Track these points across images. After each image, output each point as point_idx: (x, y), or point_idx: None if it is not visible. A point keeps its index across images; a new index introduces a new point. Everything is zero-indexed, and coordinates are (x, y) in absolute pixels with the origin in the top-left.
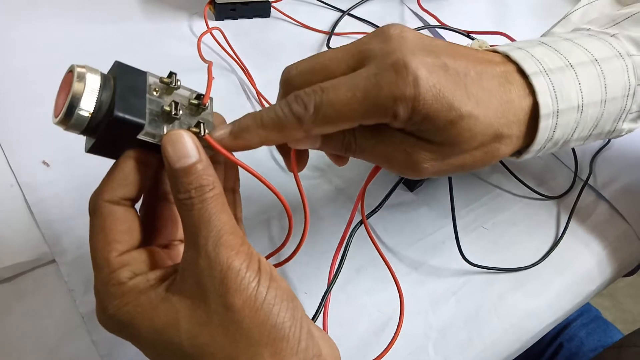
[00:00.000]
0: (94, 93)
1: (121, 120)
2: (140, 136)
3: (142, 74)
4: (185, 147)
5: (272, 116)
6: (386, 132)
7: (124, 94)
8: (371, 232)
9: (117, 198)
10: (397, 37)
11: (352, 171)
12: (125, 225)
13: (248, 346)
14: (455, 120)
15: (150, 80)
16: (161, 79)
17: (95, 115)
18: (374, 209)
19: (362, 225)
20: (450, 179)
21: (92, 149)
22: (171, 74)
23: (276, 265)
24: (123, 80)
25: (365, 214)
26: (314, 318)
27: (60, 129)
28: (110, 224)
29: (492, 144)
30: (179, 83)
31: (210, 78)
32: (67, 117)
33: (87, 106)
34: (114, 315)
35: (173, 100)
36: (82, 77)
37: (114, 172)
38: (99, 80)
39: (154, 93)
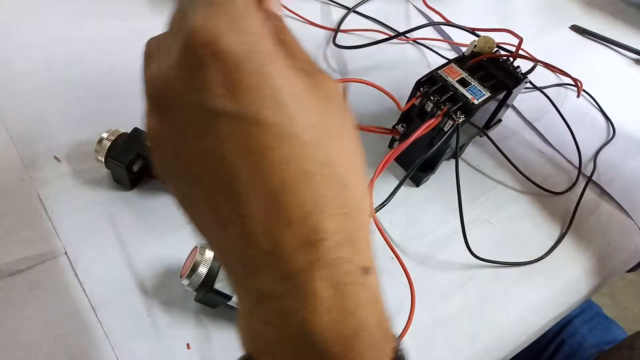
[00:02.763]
0: (207, 264)
1: (217, 290)
2: (230, 303)
3: None
4: None
5: None
6: None
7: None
8: (379, 225)
9: None
10: None
11: None
12: None
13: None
14: None
15: None
16: None
17: (206, 279)
18: (382, 203)
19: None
20: (457, 174)
21: (196, 299)
22: None
23: None
24: None
25: (373, 208)
26: None
27: (73, 127)
28: None
29: None
30: None
31: None
32: (188, 277)
33: (201, 272)
34: (259, 29)
35: None
36: (202, 252)
37: None
38: (212, 256)
39: None
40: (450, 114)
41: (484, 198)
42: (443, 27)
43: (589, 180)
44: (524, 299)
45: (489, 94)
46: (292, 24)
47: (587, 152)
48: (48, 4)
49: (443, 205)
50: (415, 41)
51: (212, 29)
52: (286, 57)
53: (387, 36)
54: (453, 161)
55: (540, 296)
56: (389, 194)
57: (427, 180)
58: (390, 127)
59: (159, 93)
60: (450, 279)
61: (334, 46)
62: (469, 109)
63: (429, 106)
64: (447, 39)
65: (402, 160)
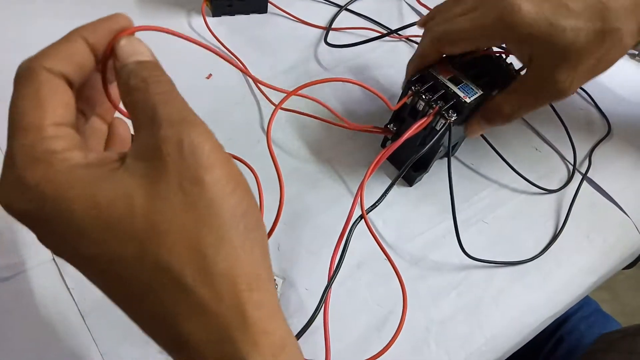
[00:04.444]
0: None
1: None
2: None
3: None
4: (141, 46)
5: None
6: (522, 79)
7: None
8: (371, 226)
9: (58, 70)
10: None
11: (351, 166)
12: (63, 99)
13: (217, 227)
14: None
15: None
16: None
17: None
18: (374, 204)
19: (362, 220)
20: (449, 174)
21: None
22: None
23: None
24: None
25: (365, 209)
26: (315, 314)
27: None
28: (48, 92)
29: (604, 35)
30: None
31: None
32: None
33: None
34: (35, 184)
35: None
36: None
37: (61, 44)
38: None
39: None
40: (442, 112)
41: (478, 197)
42: None
43: (584, 177)
44: (519, 299)
45: (481, 92)
46: (283, 23)
47: (582, 148)
48: (36, 6)
49: (437, 205)
50: (407, 39)
51: (3, 196)
52: (92, 165)
53: (380, 34)
54: (446, 160)
55: (535, 296)
56: (381, 193)
57: (420, 179)
58: (383, 126)
59: None
60: (443, 279)
61: (325, 45)
62: (460, 108)
63: (421, 105)
64: None
65: (395, 159)
